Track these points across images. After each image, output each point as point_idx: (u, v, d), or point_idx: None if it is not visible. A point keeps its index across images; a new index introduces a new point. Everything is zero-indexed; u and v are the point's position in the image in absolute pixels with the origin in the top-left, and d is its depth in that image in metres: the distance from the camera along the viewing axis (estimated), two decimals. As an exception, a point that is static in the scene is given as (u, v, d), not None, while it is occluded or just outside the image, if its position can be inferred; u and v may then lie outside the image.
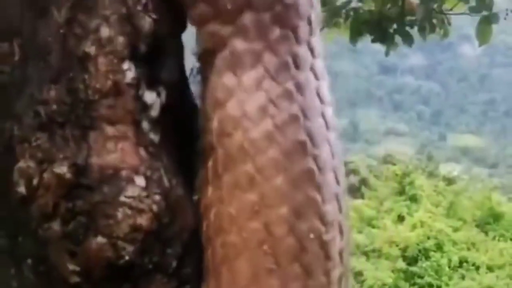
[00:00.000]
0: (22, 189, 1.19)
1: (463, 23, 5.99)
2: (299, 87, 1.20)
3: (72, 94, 1.19)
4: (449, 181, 33.70)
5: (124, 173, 1.19)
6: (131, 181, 1.19)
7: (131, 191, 1.18)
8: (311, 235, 1.17)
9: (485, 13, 5.33)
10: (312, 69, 1.23)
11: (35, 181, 1.18)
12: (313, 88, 1.23)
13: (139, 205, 1.18)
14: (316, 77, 1.24)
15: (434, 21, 5.57)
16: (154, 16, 1.23)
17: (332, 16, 5.56)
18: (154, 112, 1.25)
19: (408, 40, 5.65)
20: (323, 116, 1.23)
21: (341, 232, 1.22)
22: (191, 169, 1.28)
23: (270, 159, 1.17)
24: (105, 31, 1.19)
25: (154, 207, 1.19)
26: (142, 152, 1.22)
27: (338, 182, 1.23)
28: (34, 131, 1.19)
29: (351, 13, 5.61)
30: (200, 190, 1.24)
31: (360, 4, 5.68)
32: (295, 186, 1.17)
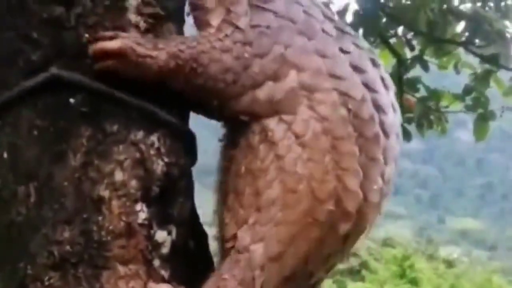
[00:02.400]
0: (34, 329, 1.20)
1: (458, 108, 6.06)
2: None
3: (86, 235, 1.23)
4: (449, 263, 33.45)
5: None
6: None
7: None
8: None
9: (481, 110, 5.42)
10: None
11: (47, 320, 1.20)
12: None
13: None
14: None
15: (432, 118, 5.65)
16: (166, 159, 1.27)
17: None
18: (165, 250, 1.29)
19: (407, 135, 5.72)
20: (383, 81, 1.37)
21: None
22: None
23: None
24: (119, 175, 1.24)
25: None
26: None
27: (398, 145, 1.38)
28: (47, 270, 1.22)
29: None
30: None
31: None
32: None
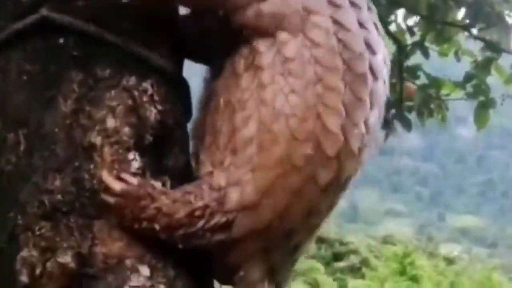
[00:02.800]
0: (24, 278, 1.18)
1: (458, 105, 6.05)
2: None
3: (77, 183, 1.20)
4: (449, 261, 33.49)
5: (128, 262, 1.18)
6: (135, 270, 1.18)
7: (135, 280, 1.18)
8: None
9: (481, 98, 5.40)
10: None
11: (38, 270, 1.17)
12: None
13: None
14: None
15: (432, 106, 5.62)
16: (160, 107, 1.24)
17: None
18: (159, 201, 1.25)
19: (407, 125, 5.70)
20: (375, 25, 1.31)
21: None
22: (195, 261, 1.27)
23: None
24: (111, 122, 1.21)
25: None
26: (147, 241, 1.21)
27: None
28: (38, 220, 1.19)
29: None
30: None
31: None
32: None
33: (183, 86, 1.32)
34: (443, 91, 5.71)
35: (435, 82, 5.64)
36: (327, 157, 1.22)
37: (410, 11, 5.00)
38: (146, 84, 1.24)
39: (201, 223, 1.21)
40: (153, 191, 1.20)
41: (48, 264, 1.16)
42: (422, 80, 5.72)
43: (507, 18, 4.82)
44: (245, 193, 1.21)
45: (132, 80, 1.23)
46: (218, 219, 1.21)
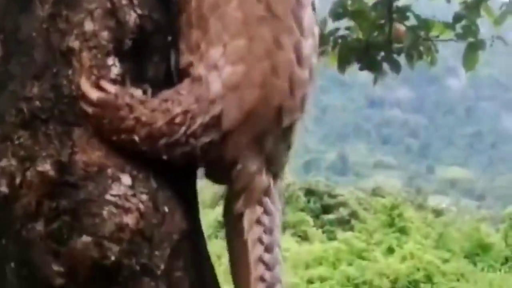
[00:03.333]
0: (4, 188, 1.17)
1: (448, 55, 6.00)
2: None
3: (56, 90, 1.17)
4: (438, 213, 33.81)
5: (109, 170, 1.16)
6: (117, 179, 1.16)
7: (116, 189, 1.16)
8: None
9: (471, 39, 5.36)
10: None
11: (17, 180, 1.16)
12: None
13: (125, 203, 1.15)
14: None
15: (421, 48, 5.58)
16: (139, 11, 1.21)
17: (319, 44, 5.57)
18: (140, 110, 1.22)
19: (396, 67, 5.66)
20: None
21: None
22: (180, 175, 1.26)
23: None
24: (89, 25, 1.17)
25: (141, 206, 1.17)
26: (128, 151, 1.19)
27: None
28: (17, 128, 1.17)
29: (339, 41, 5.62)
30: None
31: (347, 32, 5.70)
32: None
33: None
34: (433, 33, 5.67)
35: (425, 23, 5.59)
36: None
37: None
38: (126, -9, 1.20)
39: (182, 129, 1.19)
40: (131, 101, 1.18)
41: (28, 173, 1.15)
42: (412, 21, 5.67)
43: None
44: (225, 74, 1.20)
45: (112, -11, 1.19)
46: (202, 120, 1.19)
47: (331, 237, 31.02)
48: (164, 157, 1.19)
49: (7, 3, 1.17)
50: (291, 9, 1.24)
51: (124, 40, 1.20)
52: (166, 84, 1.28)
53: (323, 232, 33.55)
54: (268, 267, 1.27)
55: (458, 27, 5.48)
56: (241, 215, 1.26)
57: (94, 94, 1.16)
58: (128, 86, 1.21)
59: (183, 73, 1.25)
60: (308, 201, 36.05)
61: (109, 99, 1.17)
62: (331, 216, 35.25)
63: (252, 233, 1.27)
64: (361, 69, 5.73)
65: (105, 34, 1.18)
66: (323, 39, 5.60)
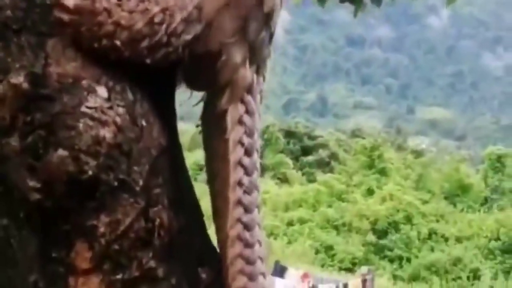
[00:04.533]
0: (-27, 103, 1.10)
1: (430, -5, 5.66)
2: None
3: None
4: (418, 154, 33.99)
5: (85, 82, 1.12)
6: (92, 91, 1.13)
7: (92, 101, 1.12)
8: None
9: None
10: None
11: (-12, 94, 1.10)
12: None
13: (102, 116, 1.13)
14: None
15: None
16: None
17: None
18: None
19: (377, 0, 5.36)
20: None
21: None
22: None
23: None
24: None
25: (118, 120, 1.14)
26: (104, 61, 1.15)
27: None
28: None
29: (320, -28, 5.30)
30: None
31: (328, -37, 5.38)
32: None
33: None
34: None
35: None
36: None
37: None
38: None
39: (163, 28, 1.17)
40: (108, 4, 1.15)
41: (0, 87, 1.11)
42: None
43: None
44: None
45: None
46: (181, 15, 1.18)
47: (311, 179, 31.12)
48: (148, 60, 1.17)
49: None
50: None
51: None
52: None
53: (303, 174, 33.66)
54: (247, 171, 1.27)
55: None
56: (224, 113, 1.26)
57: (70, 1, 1.13)
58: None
59: None
60: (288, 143, 36.08)
61: (86, 4, 1.14)
62: (310, 158, 35.36)
63: (233, 133, 1.26)
64: (341, 1, 5.49)
65: None
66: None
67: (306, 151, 36.90)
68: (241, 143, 1.27)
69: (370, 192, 26.10)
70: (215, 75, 1.24)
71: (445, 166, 29.59)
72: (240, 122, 1.27)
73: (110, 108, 1.14)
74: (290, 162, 34.70)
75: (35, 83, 1.11)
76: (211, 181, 1.30)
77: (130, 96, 1.17)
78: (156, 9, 1.16)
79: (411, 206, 24.13)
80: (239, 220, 1.26)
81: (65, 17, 1.13)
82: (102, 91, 1.14)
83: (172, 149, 1.24)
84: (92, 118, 1.12)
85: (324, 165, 34.61)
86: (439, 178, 27.79)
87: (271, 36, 1.30)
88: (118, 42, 1.15)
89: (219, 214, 1.28)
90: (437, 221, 24.31)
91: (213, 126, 1.28)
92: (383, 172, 27.10)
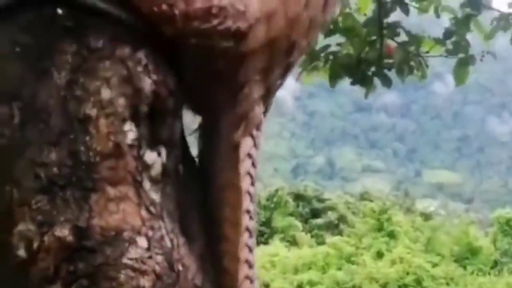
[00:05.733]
0: (22, 252, 1.17)
1: (435, 61, 6.08)
2: None
3: (73, 156, 1.18)
4: (426, 216, 33.90)
5: (126, 234, 1.18)
6: (133, 242, 1.18)
7: (133, 252, 1.17)
8: None
9: (461, 55, 5.42)
10: None
11: (35, 244, 1.16)
12: None
13: (142, 266, 1.17)
14: None
15: (412, 63, 5.64)
16: (154, 77, 1.23)
17: (311, 60, 5.62)
18: (155, 172, 1.25)
19: (387, 82, 5.71)
20: None
21: None
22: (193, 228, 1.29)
23: None
24: (106, 93, 1.19)
25: (157, 268, 1.18)
26: (144, 212, 1.21)
27: None
28: (34, 194, 1.18)
29: (330, 57, 5.66)
30: None
31: (339, 48, 5.75)
32: None
33: (176, 54, 1.30)
34: (423, 48, 5.73)
35: (415, 39, 5.65)
36: None
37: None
38: (140, 54, 1.22)
39: (215, 21, 1.21)
40: None
41: (46, 238, 1.15)
42: (402, 37, 5.72)
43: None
44: (265, 1, 1.25)
45: (127, 50, 1.21)
46: (230, 24, 1.22)
47: (320, 242, 31.12)
48: (192, 41, 1.22)
49: (24, 72, 1.18)
50: None
51: (140, 106, 1.21)
52: (180, 143, 1.30)
53: (312, 236, 33.64)
54: (252, 199, 1.35)
55: (449, 43, 5.54)
56: (237, 145, 1.32)
57: None
58: (144, 149, 1.22)
59: None
60: (297, 206, 36.10)
61: None
62: (319, 221, 35.36)
63: (244, 164, 1.33)
64: (352, 84, 5.80)
65: (121, 101, 1.19)
66: (314, 55, 5.64)
67: (315, 213, 36.87)
68: (249, 174, 1.35)
69: (379, 254, 26.04)
70: (231, 104, 1.31)
71: (454, 229, 29.55)
72: (249, 155, 1.34)
73: (150, 257, 1.18)
74: (299, 224, 34.66)
75: (79, 236, 1.15)
76: (218, 209, 1.36)
77: (168, 243, 1.22)
78: (216, 2, 1.21)
79: (421, 269, 24.07)
80: (246, 244, 1.33)
81: None
82: (142, 242, 1.19)
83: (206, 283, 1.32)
84: (133, 269, 1.16)
85: (333, 228, 34.57)
86: (448, 241, 27.73)
87: (281, 84, 1.39)
88: (176, 11, 1.19)
89: (226, 239, 1.34)
90: (447, 284, 24.21)
91: (223, 156, 1.35)
92: (392, 235, 27.08)
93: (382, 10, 5.32)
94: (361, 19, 5.65)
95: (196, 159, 1.42)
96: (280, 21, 1.26)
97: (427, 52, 5.66)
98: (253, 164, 1.36)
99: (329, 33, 5.60)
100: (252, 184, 1.35)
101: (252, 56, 1.27)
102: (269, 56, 1.29)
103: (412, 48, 5.62)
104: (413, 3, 5.39)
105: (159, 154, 1.25)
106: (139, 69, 1.21)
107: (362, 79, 5.75)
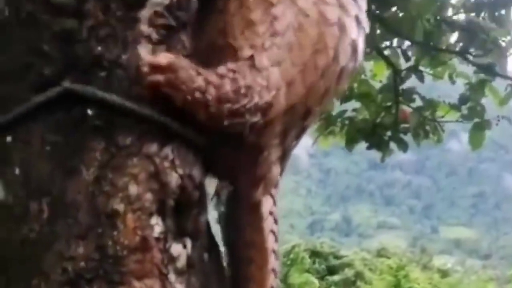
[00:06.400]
0: None
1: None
2: None
3: (101, 250, 1.20)
4: (444, 273, 33.54)
5: None
6: None
7: None
8: None
9: (477, 120, 5.44)
10: None
11: None
12: None
13: None
14: None
15: (428, 127, 5.66)
16: (180, 171, 1.26)
17: (327, 125, 5.67)
18: (180, 263, 1.27)
19: (403, 146, 5.74)
20: None
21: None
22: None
23: None
24: (133, 189, 1.22)
25: None
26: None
27: None
28: (62, 287, 1.20)
29: (346, 121, 5.71)
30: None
31: (354, 113, 5.80)
32: None
33: (202, 148, 1.33)
34: (438, 113, 5.75)
35: (430, 105, 5.69)
36: (352, 41, 1.39)
37: (405, 38, 5.03)
38: (167, 150, 1.25)
39: (244, 101, 1.27)
40: (197, 68, 1.25)
41: None
42: (418, 102, 5.75)
43: (502, 43, 4.86)
44: (285, 70, 1.31)
45: (154, 147, 1.24)
46: (257, 100, 1.28)
47: (337, 299, 30.83)
48: (226, 122, 1.26)
49: (53, 169, 1.21)
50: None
51: (166, 201, 1.24)
52: (205, 234, 1.33)
53: (329, 292, 33.35)
54: (277, 257, 1.40)
55: (464, 108, 5.57)
56: (258, 204, 1.37)
57: (163, 59, 1.22)
58: (170, 241, 1.25)
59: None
60: (313, 262, 35.82)
61: (178, 61, 1.24)
62: (336, 277, 35.02)
63: (267, 222, 1.38)
64: (368, 148, 5.82)
65: (148, 196, 1.22)
66: (331, 120, 5.68)
67: (331, 270, 36.55)
68: (272, 232, 1.40)
69: (398, 311, 25.77)
70: (250, 166, 1.35)
71: (472, 285, 29.24)
72: (271, 212, 1.40)
73: None
74: (316, 281, 34.35)
75: None
76: (243, 268, 1.40)
77: None
78: (242, 82, 1.27)
79: (440, 327, 23.78)
80: None
81: (160, 77, 1.22)
82: None
83: None
84: None
85: (350, 285, 34.22)
86: (467, 298, 27.41)
87: (296, 145, 1.44)
88: (209, 97, 1.24)
89: None
90: None
91: (245, 216, 1.39)
92: (410, 292, 26.80)
93: (397, 77, 5.36)
94: (376, 85, 5.71)
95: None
96: (299, 89, 1.33)
97: (443, 116, 5.69)
98: (275, 222, 1.41)
99: (345, 99, 5.65)
100: (276, 241, 1.39)
101: (274, 123, 1.32)
102: (287, 121, 1.34)
103: (427, 113, 5.65)
104: (428, 70, 5.43)
105: (184, 246, 1.27)
106: (166, 164, 1.25)
107: (378, 143, 5.78)
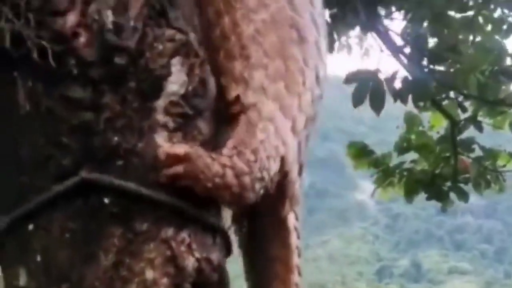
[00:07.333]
0: None
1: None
2: None
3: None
4: (519, 319, 32.56)
5: None
6: None
7: None
8: None
9: (542, 168, 5.34)
10: None
11: None
12: None
13: None
14: None
15: (489, 177, 5.57)
16: (197, 255, 1.27)
17: (386, 177, 5.63)
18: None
19: (463, 196, 5.65)
20: None
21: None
22: None
23: None
24: (149, 274, 1.24)
25: None
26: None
27: None
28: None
29: (405, 173, 5.66)
30: None
31: (413, 165, 5.75)
32: None
33: (220, 231, 1.35)
34: (499, 162, 5.66)
35: (490, 154, 5.59)
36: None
37: (460, 92, 4.99)
38: (184, 234, 1.28)
39: (256, 166, 1.31)
40: (211, 154, 1.29)
41: None
42: (477, 152, 5.67)
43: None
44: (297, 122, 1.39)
45: (170, 232, 1.26)
46: (277, 164, 1.34)
47: None
48: (251, 195, 1.30)
49: (72, 256, 1.24)
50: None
51: (183, 284, 1.26)
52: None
53: None
54: (300, 273, 1.42)
55: (525, 157, 5.47)
56: (284, 220, 1.41)
57: (180, 150, 1.26)
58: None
59: (231, 105, 1.36)
60: (383, 309, 35.25)
61: (194, 151, 1.28)
62: (410, 329, 34.41)
63: (291, 238, 1.42)
64: (428, 199, 5.76)
65: (165, 280, 1.24)
66: (389, 171, 5.64)
67: (402, 318, 35.87)
68: (297, 248, 1.44)
69: None
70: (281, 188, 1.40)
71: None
72: (295, 228, 1.44)
73: None
74: (385, 329, 33.73)
75: None
76: (267, 282, 1.43)
77: None
78: (248, 153, 1.30)
79: None
80: None
81: (179, 168, 1.25)
82: None
83: None
84: None
85: (423, 334, 33.49)
86: None
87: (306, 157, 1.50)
88: (228, 179, 1.27)
89: None
90: None
91: (271, 232, 1.43)
92: None
93: (455, 128, 5.30)
94: (434, 135, 5.66)
95: None
96: (300, 122, 1.40)
97: (503, 166, 5.59)
98: (298, 237, 1.44)
99: (402, 151, 5.62)
100: (299, 256, 1.42)
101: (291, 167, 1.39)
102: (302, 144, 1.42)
103: (488, 163, 5.56)
104: (487, 119, 5.35)
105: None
106: (183, 248, 1.26)
107: (438, 194, 5.71)
